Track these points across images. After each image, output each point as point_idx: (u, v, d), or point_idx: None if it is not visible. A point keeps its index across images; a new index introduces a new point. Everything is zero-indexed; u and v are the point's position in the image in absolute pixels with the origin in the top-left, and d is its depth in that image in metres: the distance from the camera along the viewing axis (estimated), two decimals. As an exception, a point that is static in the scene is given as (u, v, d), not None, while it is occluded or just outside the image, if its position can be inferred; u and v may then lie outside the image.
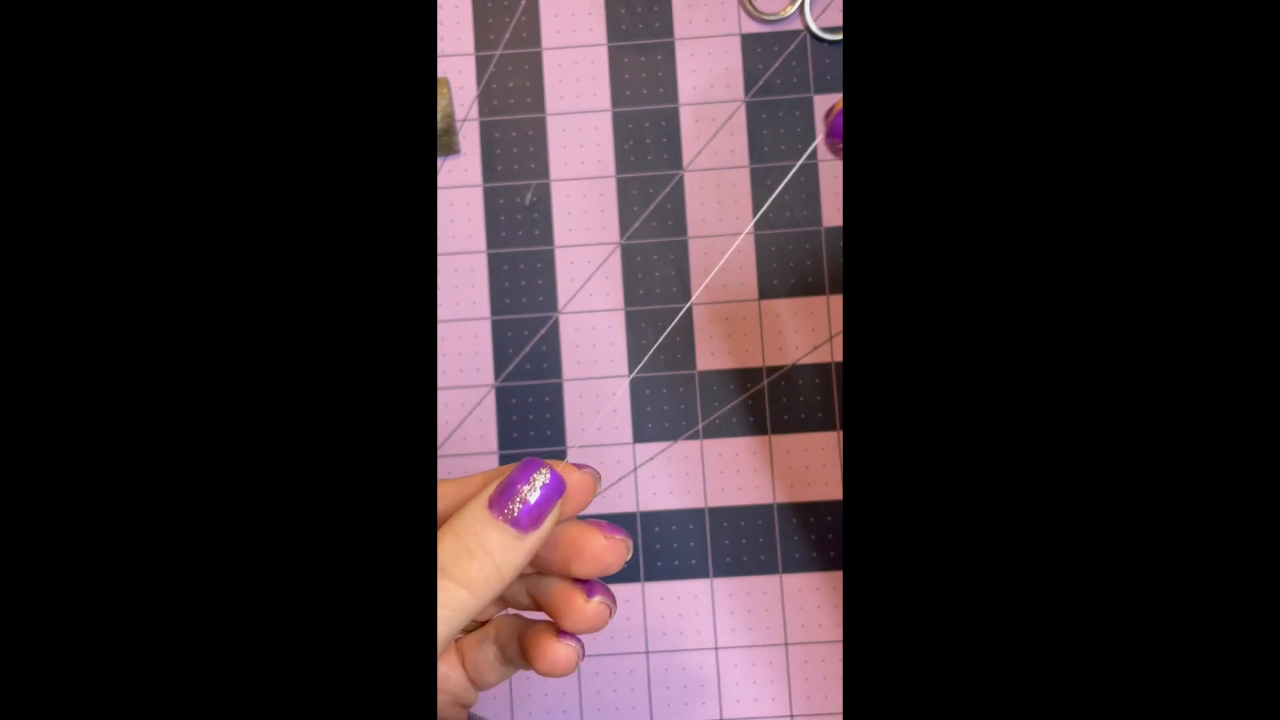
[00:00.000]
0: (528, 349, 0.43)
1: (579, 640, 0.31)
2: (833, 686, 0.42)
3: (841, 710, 0.41)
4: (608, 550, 0.30)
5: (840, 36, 0.43)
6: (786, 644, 0.42)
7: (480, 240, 0.43)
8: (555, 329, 0.43)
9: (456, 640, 0.34)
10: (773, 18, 0.43)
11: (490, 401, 0.43)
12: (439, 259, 0.43)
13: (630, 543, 0.30)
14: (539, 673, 0.31)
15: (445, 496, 0.30)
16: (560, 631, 0.30)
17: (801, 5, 0.43)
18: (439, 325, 0.43)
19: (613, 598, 0.30)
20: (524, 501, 0.27)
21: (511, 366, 0.43)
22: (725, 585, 0.42)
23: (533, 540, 0.27)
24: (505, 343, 0.43)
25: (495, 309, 0.43)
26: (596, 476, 0.30)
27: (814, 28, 0.43)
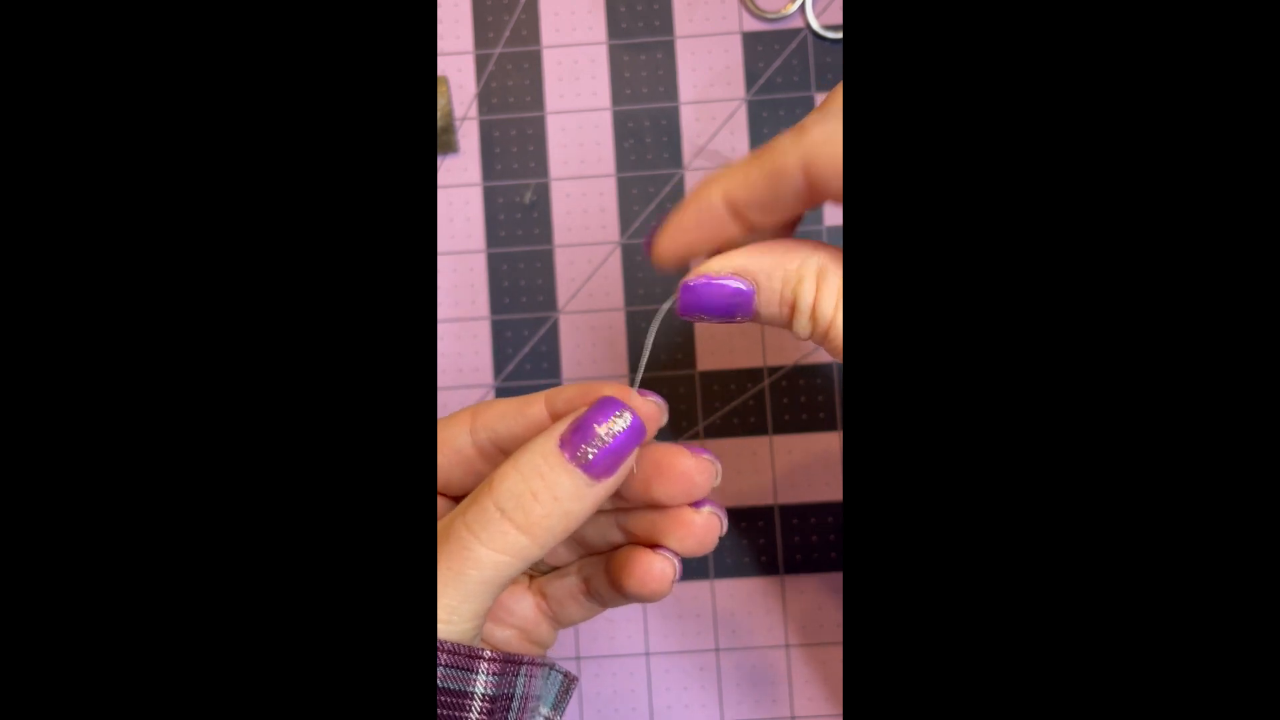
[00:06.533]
0: (528, 349, 0.43)
1: (675, 555, 0.27)
2: (834, 688, 0.42)
3: (842, 712, 0.41)
4: (696, 469, 0.26)
5: (841, 35, 0.43)
6: (788, 645, 0.42)
7: (479, 239, 0.43)
8: (555, 329, 0.43)
9: (532, 576, 0.31)
10: (774, 15, 0.43)
11: (490, 402, 0.43)
12: (438, 258, 0.43)
13: (719, 465, 0.27)
14: (630, 595, 0.27)
15: (505, 416, 0.28)
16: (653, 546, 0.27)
17: (803, 3, 0.43)
18: (438, 325, 0.43)
19: (722, 508, 0.27)
20: (600, 445, 0.24)
21: (511, 366, 0.43)
22: (726, 587, 0.42)
23: (604, 488, 0.25)
24: (505, 343, 0.43)
25: (494, 309, 0.43)
26: (662, 407, 0.27)
27: (815, 26, 0.43)
